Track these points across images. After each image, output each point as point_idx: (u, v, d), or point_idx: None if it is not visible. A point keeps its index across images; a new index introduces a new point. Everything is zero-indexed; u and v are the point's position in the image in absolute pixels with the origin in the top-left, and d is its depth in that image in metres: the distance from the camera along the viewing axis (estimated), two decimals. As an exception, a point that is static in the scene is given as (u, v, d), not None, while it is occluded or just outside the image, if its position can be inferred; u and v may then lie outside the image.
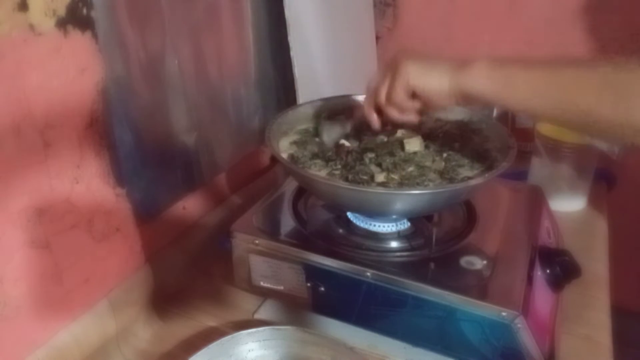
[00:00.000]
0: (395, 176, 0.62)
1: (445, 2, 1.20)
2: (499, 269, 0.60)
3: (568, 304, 0.71)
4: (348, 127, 0.71)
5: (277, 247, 0.65)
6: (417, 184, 0.61)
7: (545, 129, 0.92)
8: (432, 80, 0.56)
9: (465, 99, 0.56)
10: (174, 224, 0.81)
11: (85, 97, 0.61)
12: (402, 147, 0.67)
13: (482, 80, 0.53)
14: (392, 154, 0.66)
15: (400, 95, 0.58)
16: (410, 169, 0.64)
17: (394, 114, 0.61)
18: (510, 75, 0.52)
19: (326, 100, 0.79)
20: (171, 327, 0.73)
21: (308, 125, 0.76)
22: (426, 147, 0.68)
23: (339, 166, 0.65)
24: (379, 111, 0.63)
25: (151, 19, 0.69)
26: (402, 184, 0.61)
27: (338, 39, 1.08)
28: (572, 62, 0.51)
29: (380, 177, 0.61)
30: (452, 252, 0.64)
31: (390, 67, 0.59)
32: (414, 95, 0.58)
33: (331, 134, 0.71)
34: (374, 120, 0.64)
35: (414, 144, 0.67)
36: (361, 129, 0.70)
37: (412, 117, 0.62)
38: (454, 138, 0.71)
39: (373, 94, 0.62)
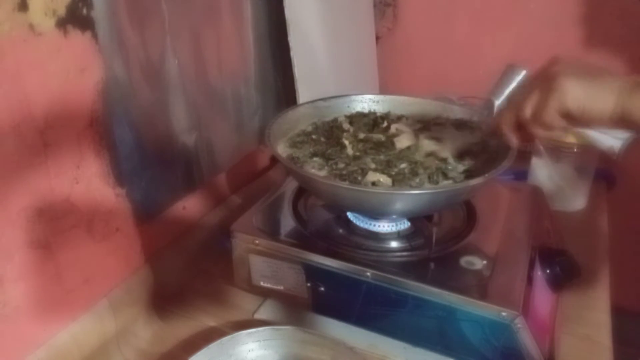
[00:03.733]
0: (388, 176, 0.62)
1: (445, 2, 1.20)
2: (499, 269, 0.60)
3: (568, 304, 0.71)
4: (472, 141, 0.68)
5: (277, 247, 0.65)
6: (409, 178, 0.61)
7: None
8: (595, 102, 0.48)
9: (630, 124, 0.49)
10: (174, 224, 0.81)
11: (85, 97, 0.61)
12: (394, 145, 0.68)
13: None
14: (383, 152, 0.67)
15: (551, 115, 0.51)
16: (403, 165, 0.64)
17: (539, 132, 0.54)
18: None
19: (326, 100, 0.79)
20: (171, 327, 0.73)
21: (308, 125, 0.76)
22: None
23: (339, 165, 0.65)
24: (519, 127, 0.56)
25: (151, 19, 0.70)
26: (395, 181, 0.61)
27: (338, 39, 1.08)
28: None
29: (372, 177, 0.61)
30: (452, 252, 0.64)
31: (541, 80, 0.52)
32: (567, 114, 0.51)
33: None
34: (514, 139, 0.57)
35: (404, 140, 0.67)
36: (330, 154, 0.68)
37: (557, 134, 0.54)
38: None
39: (515, 109, 0.55)
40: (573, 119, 0.50)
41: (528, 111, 0.52)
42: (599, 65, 0.52)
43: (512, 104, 0.56)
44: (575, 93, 0.49)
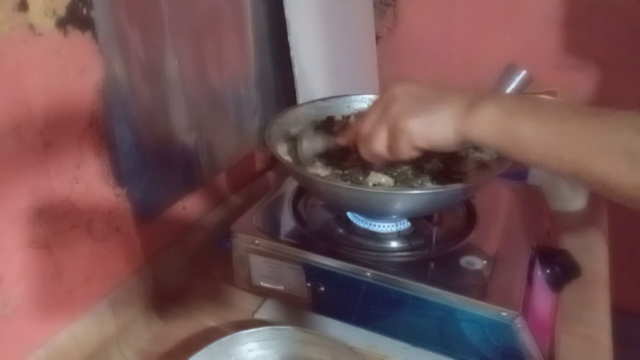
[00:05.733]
0: (390, 177, 0.62)
1: (445, 2, 1.20)
2: (499, 269, 0.60)
3: (568, 304, 0.71)
4: (328, 144, 0.66)
5: (277, 247, 0.65)
6: (411, 179, 0.61)
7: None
8: (437, 134, 0.52)
9: (472, 143, 0.53)
10: (173, 224, 0.81)
11: (85, 97, 0.61)
12: None
13: (488, 132, 0.49)
14: None
15: (405, 152, 0.54)
16: (406, 166, 0.64)
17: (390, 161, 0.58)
18: (518, 130, 0.47)
19: (326, 100, 0.79)
20: (171, 327, 0.73)
21: (307, 125, 0.76)
22: None
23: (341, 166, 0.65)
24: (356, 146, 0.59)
25: (151, 19, 0.70)
26: (397, 182, 0.61)
27: (338, 39, 1.08)
28: (592, 117, 0.44)
29: (374, 178, 0.61)
30: (452, 252, 0.64)
31: (385, 117, 0.54)
32: (418, 148, 0.54)
33: (311, 145, 0.66)
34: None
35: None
36: (334, 154, 0.67)
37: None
38: None
39: (356, 130, 0.58)
40: (426, 149, 0.54)
41: (380, 148, 0.55)
42: (436, 85, 0.54)
43: (355, 124, 0.59)
44: (419, 131, 0.52)
